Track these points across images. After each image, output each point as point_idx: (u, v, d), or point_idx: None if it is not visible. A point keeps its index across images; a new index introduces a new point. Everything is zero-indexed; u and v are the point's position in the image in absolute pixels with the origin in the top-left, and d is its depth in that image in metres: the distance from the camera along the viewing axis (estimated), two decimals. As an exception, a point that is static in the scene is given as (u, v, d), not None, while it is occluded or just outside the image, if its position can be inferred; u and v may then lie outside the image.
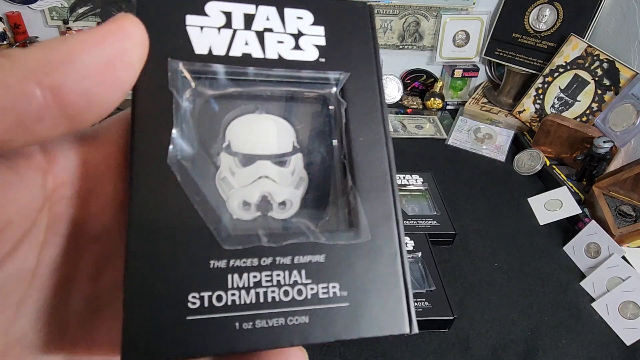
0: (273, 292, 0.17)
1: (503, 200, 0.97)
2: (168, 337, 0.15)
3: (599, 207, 0.87)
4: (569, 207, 0.91)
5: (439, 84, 1.24)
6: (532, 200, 0.95)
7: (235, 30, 0.19)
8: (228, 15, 0.19)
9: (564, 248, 0.86)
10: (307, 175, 0.19)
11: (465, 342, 0.69)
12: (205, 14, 0.18)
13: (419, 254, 0.76)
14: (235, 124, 0.19)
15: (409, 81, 1.28)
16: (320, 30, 0.20)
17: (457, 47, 1.23)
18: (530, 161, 1.05)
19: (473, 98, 1.25)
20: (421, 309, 0.68)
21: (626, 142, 0.95)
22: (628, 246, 0.82)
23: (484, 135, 1.14)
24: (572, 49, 1.06)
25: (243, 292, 0.16)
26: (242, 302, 0.16)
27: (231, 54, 0.18)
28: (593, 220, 0.84)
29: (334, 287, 0.17)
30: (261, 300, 0.16)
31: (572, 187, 0.97)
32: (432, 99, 1.23)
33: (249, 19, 0.19)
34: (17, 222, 0.15)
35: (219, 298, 0.16)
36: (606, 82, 1.01)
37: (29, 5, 1.05)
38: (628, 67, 0.98)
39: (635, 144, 0.93)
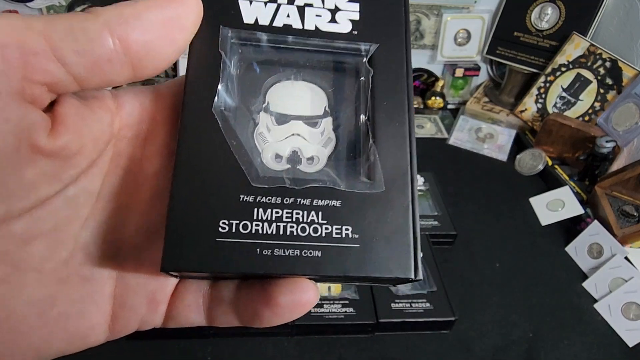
0: (292, 227, 0.19)
1: (504, 200, 0.96)
2: (200, 254, 0.18)
3: (601, 207, 0.87)
4: (571, 207, 0.90)
5: (440, 83, 1.23)
6: (533, 200, 0.95)
7: (279, 4, 0.21)
8: None
9: (566, 249, 0.85)
10: (334, 137, 0.22)
11: (466, 343, 0.68)
12: None
13: (420, 254, 0.76)
14: (275, 88, 0.22)
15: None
16: (355, 6, 0.22)
17: (458, 45, 1.22)
18: (532, 161, 1.04)
19: (474, 97, 1.24)
20: (422, 310, 0.68)
21: (629, 142, 0.94)
22: (631, 246, 0.81)
23: (486, 135, 1.13)
24: (575, 47, 1.05)
25: (266, 224, 0.19)
26: (264, 232, 0.18)
27: (274, 24, 0.21)
28: (595, 221, 0.84)
29: (346, 229, 0.19)
30: (281, 232, 0.19)
31: (574, 187, 0.96)
32: (433, 98, 1.22)
33: None
34: (89, 149, 0.18)
35: (245, 226, 0.18)
36: (609, 81, 1.01)
37: (27, 4, 1.05)
38: (631, 66, 0.97)
39: (638, 144, 0.92)
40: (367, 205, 0.19)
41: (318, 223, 0.19)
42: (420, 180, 0.93)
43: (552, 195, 0.93)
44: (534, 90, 1.12)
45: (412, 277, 0.19)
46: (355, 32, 0.22)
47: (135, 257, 0.21)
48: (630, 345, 0.70)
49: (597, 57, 1.02)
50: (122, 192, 0.20)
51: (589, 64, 1.03)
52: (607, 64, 1.00)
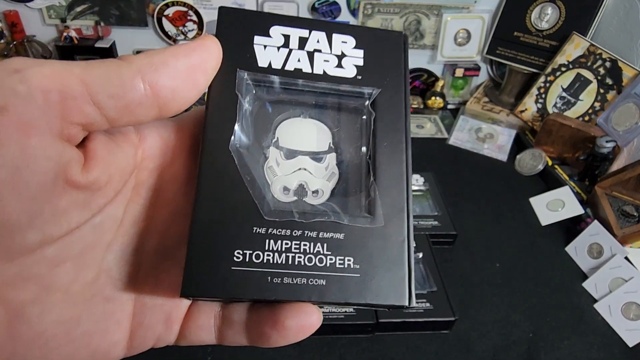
0: (299, 257, 0.20)
1: (504, 200, 0.96)
2: (216, 281, 0.19)
3: (601, 207, 0.87)
4: (571, 207, 0.90)
5: (440, 83, 1.23)
6: (533, 201, 0.95)
7: (291, 50, 0.23)
8: (287, 37, 0.23)
9: (566, 249, 0.85)
10: (338, 171, 0.23)
11: (467, 343, 0.68)
12: (269, 36, 0.23)
13: (420, 254, 0.76)
14: (284, 125, 0.24)
15: (409, 80, 1.27)
16: (360, 53, 0.24)
17: (459, 45, 1.22)
18: (532, 161, 1.04)
19: (474, 97, 1.24)
20: (422, 310, 0.68)
21: (629, 142, 0.94)
22: (631, 246, 0.81)
23: (486, 135, 1.13)
24: (575, 47, 1.05)
25: (276, 254, 0.20)
26: (275, 262, 0.20)
27: (286, 68, 0.23)
28: (595, 221, 0.84)
29: (349, 260, 0.21)
30: (289, 262, 0.20)
31: (574, 187, 0.96)
32: (433, 98, 1.22)
33: (302, 41, 0.23)
34: (115, 180, 0.20)
35: (257, 256, 0.20)
36: (609, 81, 1.01)
37: (27, 4, 1.05)
38: (631, 66, 0.97)
39: (638, 144, 0.92)
40: (368, 238, 0.21)
41: (323, 254, 0.21)
42: (420, 180, 0.93)
43: (552, 195, 0.93)
44: (534, 90, 1.12)
45: (407, 304, 0.21)
46: (360, 77, 0.23)
47: (153, 277, 0.22)
48: (630, 345, 0.70)
49: (597, 57, 1.02)
50: (142, 218, 0.22)
51: (589, 64, 1.03)
52: (607, 64, 1.00)
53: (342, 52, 0.24)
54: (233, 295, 0.20)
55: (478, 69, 1.24)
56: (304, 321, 0.20)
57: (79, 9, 1.07)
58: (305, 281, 0.20)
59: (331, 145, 0.24)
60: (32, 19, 1.08)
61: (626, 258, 0.78)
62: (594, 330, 0.72)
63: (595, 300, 0.76)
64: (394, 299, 0.21)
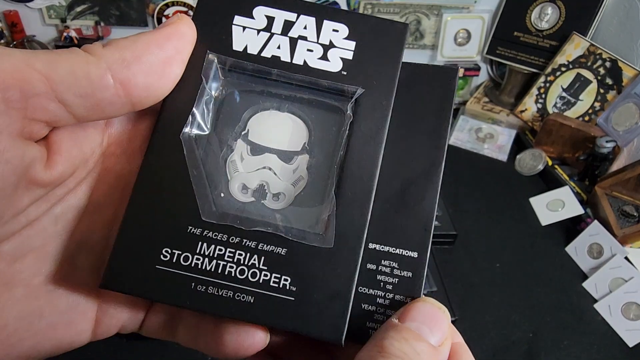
0: (231, 267, 0.19)
1: (504, 200, 0.96)
2: (137, 279, 0.18)
3: (601, 207, 0.86)
4: (571, 207, 0.90)
5: (440, 83, 1.23)
6: (534, 201, 0.95)
7: (272, 34, 0.21)
8: (270, 19, 0.21)
9: (566, 249, 0.85)
10: (307, 176, 0.21)
11: (467, 343, 0.68)
12: (251, 16, 0.21)
13: (420, 254, 0.76)
14: (258, 116, 0.21)
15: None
16: (351, 44, 0.21)
17: (459, 45, 1.22)
18: (532, 161, 1.04)
19: (474, 97, 1.24)
20: (422, 310, 0.67)
21: (629, 142, 0.94)
22: (631, 247, 0.81)
23: (486, 135, 1.13)
24: (575, 47, 1.05)
25: (207, 259, 0.19)
26: (203, 268, 0.18)
27: (262, 54, 0.20)
28: (595, 221, 0.84)
29: (285, 280, 0.19)
30: (219, 271, 0.18)
31: (574, 187, 0.96)
32: (433, 98, 1.22)
33: (287, 26, 0.21)
34: (80, 169, 0.19)
35: (186, 258, 0.19)
36: (609, 81, 1.01)
37: (27, 4, 1.05)
38: (631, 66, 0.97)
39: (638, 144, 0.92)
40: (313, 259, 0.19)
41: (258, 268, 0.19)
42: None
43: (552, 195, 0.93)
44: (534, 90, 1.12)
45: (342, 343, 0.18)
46: (345, 72, 0.21)
47: None
48: (630, 345, 0.70)
49: (597, 57, 1.02)
50: (108, 206, 0.21)
51: (589, 64, 1.03)
52: (607, 64, 1.00)
53: (330, 42, 0.21)
54: (151, 296, 0.18)
55: (478, 69, 1.23)
56: (243, 340, 0.19)
57: (79, 9, 1.07)
58: (231, 295, 0.18)
59: (306, 145, 0.21)
60: (32, 19, 1.08)
61: (626, 258, 0.78)
62: (594, 331, 0.72)
63: (595, 300, 0.76)
64: (327, 335, 0.18)
